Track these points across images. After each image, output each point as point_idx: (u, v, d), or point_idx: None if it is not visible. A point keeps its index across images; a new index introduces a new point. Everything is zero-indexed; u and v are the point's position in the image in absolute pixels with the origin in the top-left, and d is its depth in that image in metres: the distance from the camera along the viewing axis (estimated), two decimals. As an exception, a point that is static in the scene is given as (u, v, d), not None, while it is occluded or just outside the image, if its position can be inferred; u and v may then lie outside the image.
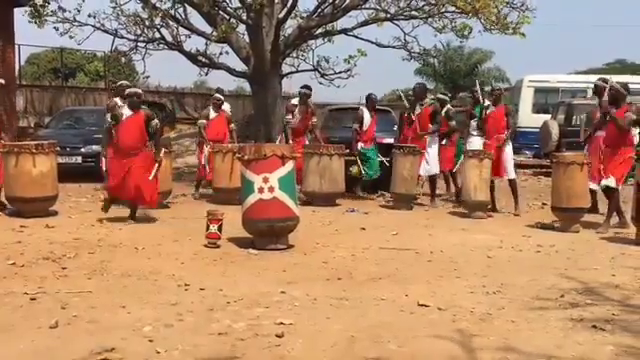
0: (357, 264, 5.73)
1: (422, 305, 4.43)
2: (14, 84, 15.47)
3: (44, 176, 7.83)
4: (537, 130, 13.64)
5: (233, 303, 4.41)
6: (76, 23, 12.25)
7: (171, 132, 17.95)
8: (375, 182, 10.61)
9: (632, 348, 3.69)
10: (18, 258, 5.58)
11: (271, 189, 6.17)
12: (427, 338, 3.79)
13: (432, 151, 9.74)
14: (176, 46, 12.71)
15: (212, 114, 10.41)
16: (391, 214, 8.95)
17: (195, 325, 3.95)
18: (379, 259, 5.93)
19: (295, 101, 10.74)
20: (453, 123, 10.37)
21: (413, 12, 12.09)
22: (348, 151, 9.95)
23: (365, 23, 12.49)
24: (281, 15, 12.13)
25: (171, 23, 12.45)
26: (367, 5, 12.37)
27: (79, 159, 12.08)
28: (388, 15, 12.22)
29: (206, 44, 12.79)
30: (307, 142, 10.34)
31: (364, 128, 10.15)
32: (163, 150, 7.95)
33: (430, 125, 9.77)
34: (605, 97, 7.77)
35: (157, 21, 12.21)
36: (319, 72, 13.04)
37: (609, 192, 7.73)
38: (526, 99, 17.74)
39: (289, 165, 6.33)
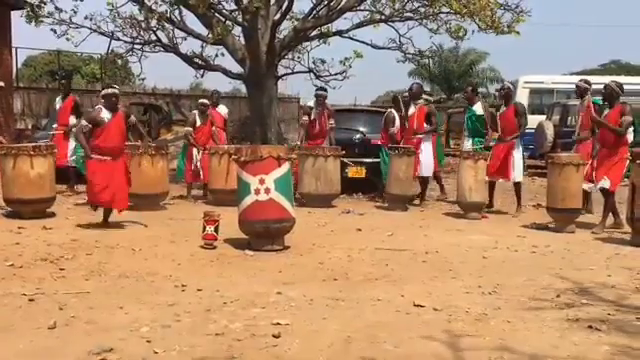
0: (353, 265, 5.75)
1: (418, 305, 4.46)
2: (11, 87, 15.46)
3: (42, 178, 7.85)
4: (532, 131, 13.66)
5: (230, 304, 4.43)
6: (73, 25, 12.23)
7: (167, 134, 17.92)
8: (370, 183, 10.65)
9: (628, 348, 3.72)
10: (16, 259, 5.60)
11: (267, 190, 6.19)
12: (423, 338, 3.82)
13: (426, 152, 9.77)
14: (172, 48, 12.71)
15: (198, 121, 10.27)
16: (386, 215, 8.98)
17: (192, 326, 3.97)
18: (375, 260, 5.96)
19: (311, 103, 10.76)
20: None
21: (408, 14, 12.12)
22: (344, 152, 9.98)
23: (360, 25, 12.51)
24: (277, 17, 12.15)
25: (167, 25, 12.44)
26: (362, 7, 12.40)
27: (77, 161, 12.06)
28: (383, 17, 12.24)
29: (202, 46, 12.79)
30: (325, 144, 10.26)
31: (395, 130, 9.99)
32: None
33: (425, 125, 9.82)
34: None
35: (153, 23, 12.21)
36: (314, 74, 13.05)
37: (605, 193, 7.77)
38: (521, 100, 17.75)
39: (285, 166, 6.35)
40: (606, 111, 7.80)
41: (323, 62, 13.03)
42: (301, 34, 12.51)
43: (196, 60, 12.92)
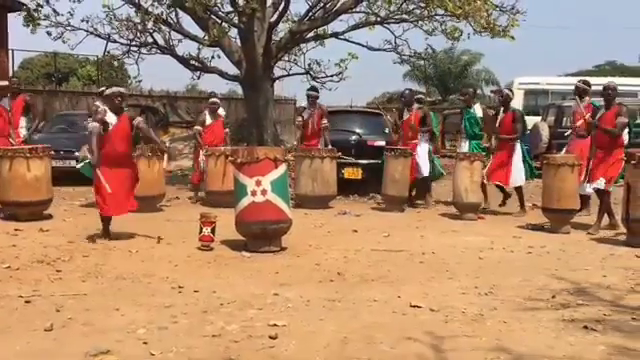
0: (349, 266, 5.76)
1: (414, 306, 4.47)
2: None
3: (38, 180, 7.84)
4: (528, 132, 13.71)
5: (227, 305, 4.44)
6: (69, 27, 12.24)
7: (164, 136, 17.92)
8: (366, 184, 10.68)
9: (623, 348, 3.73)
10: (13, 261, 5.59)
11: (264, 192, 6.20)
12: (419, 339, 3.83)
13: (422, 153, 9.80)
14: (168, 50, 12.72)
15: (208, 119, 10.41)
16: (383, 216, 8.99)
17: (189, 327, 3.98)
18: (371, 261, 5.97)
19: (304, 104, 10.81)
20: None
21: (403, 15, 12.15)
22: (340, 154, 10.00)
23: (356, 27, 12.54)
24: (273, 19, 12.17)
25: (163, 27, 12.45)
26: (358, 9, 12.43)
27: (73, 163, 12.06)
28: (379, 18, 12.28)
29: (198, 48, 12.81)
30: (320, 144, 10.29)
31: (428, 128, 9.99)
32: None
33: (420, 128, 9.85)
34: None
35: (149, 25, 12.21)
36: (311, 75, 13.08)
37: (600, 193, 7.80)
38: (516, 101, 17.81)
39: (282, 168, 6.36)
40: (602, 111, 7.83)
41: (319, 64, 13.07)
42: (297, 36, 12.53)
43: (192, 62, 12.94)
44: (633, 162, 6.89)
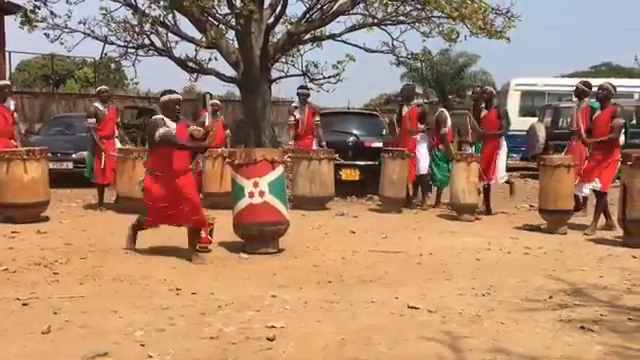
0: (347, 267, 5.77)
1: (412, 307, 4.47)
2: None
3: (35, 182, 7.83)
4: (524, 133, 13.74)
5: (224, 307, 4.44)
6: (66, 29, 12.23)
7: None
8: (363, 185, 10.68)
9: (620, 348, 3.74)
10: (10, 264, 5.58)
11: (261, 193, 6.20)
12: (417, 340, 3.84)
13: (422, 151, 9.82)
14: (166, 52, 12.72)
15: (207, 121, 10.36)
16: (380, 217, 9.00)
17: (187, 329, 3.98)
18: (369, 262, 5.98)
19: (296, 103, 10.83)
20: None
21: (400, 17, 12.18)
22: (337, 155, 10.00)
23: (353, 28, 12.57)
24: (270, 21, 12.18)
25: (161, 29, 12.46)
26: (355, 11, 12.44)
27: (70, 165, 12.08)
28: (376, 20, 12.30)
29: (195, 50, 12.80)
30: (314, 143, 10.31)
31: (447, 130, 9.73)
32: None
33: (420, 125, 9.87)
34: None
35: (147, 27, 12.22)
36: (308, 77, 13.09)
37: (597, 194, 7.82)
38: (513, 102, 17.86)
39: (279, 170, 6.37)
40: (597, 112, 7.86)
41: (316, 65, 13.09)
42: (294, 38, 12.54)
43: (190, 64, 12.94)
44: (629, 163, 6.91)
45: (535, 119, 15.63)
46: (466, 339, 3.86)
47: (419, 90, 31.37)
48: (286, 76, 13.73)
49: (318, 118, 10.54)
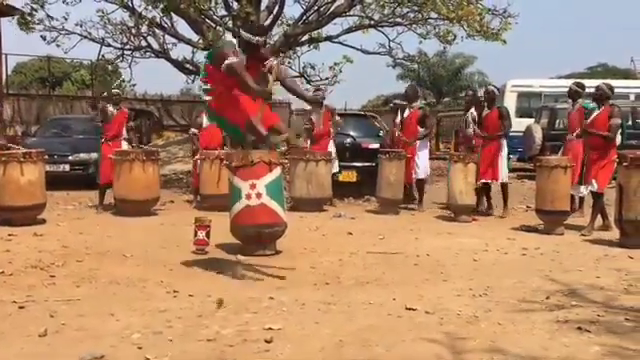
0: (344, 269, 5.76)
1: (409, 309, 4.47)
2: (2, 93, 15.41)
3: (32, 184, 7.82)
4: (521, 134, 13.76)
5: (222, 309, 4.43)
6: (63, 31, 12.23)
7: (158, 139, 17.92)
8: (361, 187, 10.69)
9: (617, 348, 3.74)
10: (6, 267, 5.56)
11: (258, 195, 6.18)
12: (414, 341, 3.83)
13: (422, 155, 9.83)
14: (163, 54, 12.73)
15: (205, 122, 10.40)
16: (377, 219, 9.00)
17: (184, 332, 3.97)
18: (366, 263, 5.98)
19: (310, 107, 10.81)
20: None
21: (397, 19, 12.20)
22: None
23: (350, 30, 12.58)
24: (267, 22, 12.19)
25: (157, 31, 12.47)
26: (352, 12, 12.46)
27: (67, 167, 12.07)
28: (372, 22, 12.32)
29: (193, 52, 12.82)
30: (330, 145, 10.25)
31: (472, 131, 9.67)
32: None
33: (420, 129, 9.87)
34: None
35: (144, 29, 12.23)
36: (305, 78, 13.11)
37: (593, 195, 7.84)
38: (509, 103, 17.86)
39: (276, 171, 6.36)
40: (595, 113, 7.88)
41: (313, 67, 13.10)
42: (291, 39, 12.56)
43: (187, 66, 12.94)
44: (625, 164, 6.93)
45: (532, 120, 15.64)
46: (463, 340, 3.86)
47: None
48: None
49: (338, 117, 10.44)
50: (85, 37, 12.43)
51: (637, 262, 6.16)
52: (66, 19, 12.21)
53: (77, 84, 25.06)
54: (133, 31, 12.31)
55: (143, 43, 12.57)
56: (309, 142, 10.42)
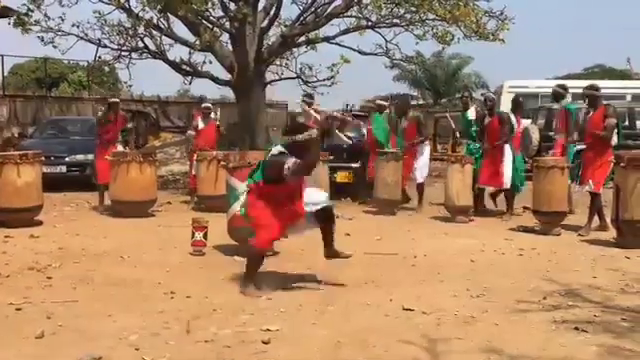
0: (341, 269, 5.75)
1: (407, 309, 4.48)
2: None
3: (29, 186, 7.81)
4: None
5: (219, 310, 4.44)
6: (60, 32, 12.19)
7: (155, 141, 17.90)
8: (356, 188, 10.69)
9: (614, 348, 3.76)
10: (3, 268, 5.56)
11: (256, 196, 6.18)
12: (412, 342, 3.84)
13: (422, 159, 9.85)
14: (160, 55, 12.69)
15: (201, 124, 10.50)
16: (374, 219, 9.00)
17: (181, 333, 3.97)
18: (363, 264, 5.97)
19: (300, 109, 10.87)
20: None
21: (394, 20, 12.20)
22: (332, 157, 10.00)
23: (347, 31, 12.57)
24: (264, 24, 12.18)
25: (154, 32, 12.42)
26: (349, 13, 12.45)
27: (64, 168, 12.05)
28: (370, 23, 12.32)
29: (190, 53, 12.78)
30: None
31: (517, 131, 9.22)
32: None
33: (417, 137, 9.90)
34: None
35: (140, 30, 12.19)
36: (302, 80, 13.09)
37: (591, 195, 7.86)
38: (506, 105, 17.89)
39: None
40: (589, 113, 7.91)
41: (311, 68, 13.08)
42: (289, 40, 12.54)
43: (184, 67, 12.92)
44: (622, 164, 6.94)
45: (528, 121, 15.67)
46: (461, 340, 3.87)
47: (414, 92, 31.52)
48: (280, 79, 13.72)
49: (349, 118, 10.40)
50: (82, 38, 12.38)
51: (634, 262, 6.17)
52: (63, 20, 12.16)
53: (74, 85, 25.01)
54: (130, 32, 12.27)
55: (140, 44, 12.54)
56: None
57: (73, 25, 12.25)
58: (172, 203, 10.31)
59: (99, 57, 12.93)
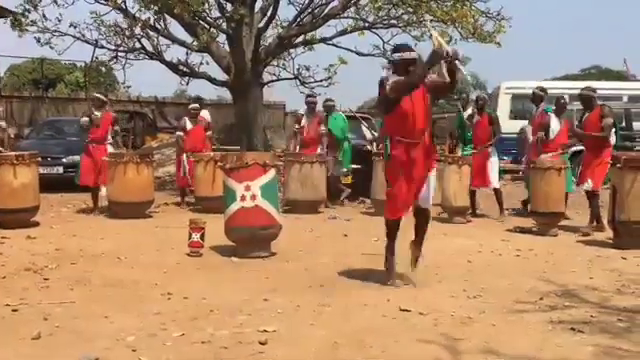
0: (339, 270, 5.76)
1: (404, 310, 4.48)
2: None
3: (25, 187, 7.79)
4: (515, 136, 13.80)
5: (216, 311, 4.43)
6: (57, 33, 12.18)
7: (152, 141, 17.88)
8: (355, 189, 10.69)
9: (611, 348, 3.76)
10: (0, 270, 5.56)
11: (253, 197, 6.20)
12: (409, 342, 3.84)
13: None
14: (157, 56, 12.68)
15: (189, 125, 10.46)
16: (372, 220, 8.97)
17: (179, 334, 3.96)
18: (361, 265, 5.97)
19: (303, 111, 10.83)
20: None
21: (392, 21, 12.21)
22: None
23: (344, 32, 12.58)
24: (261, 24, 12.19)
25: (151, 33, 12.41)
26: (346, 14, 12.46)
27: (60, 169, 12.04)
28: (367, 24, 12.32)
29: (187, 53, 12.77)
30: (319, 151, 10.23)
31: (551, 136, 8.73)
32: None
33: None
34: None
35: (137, 31, 12.17)
36: (300, 80, 13.09)
37: (589, 195, 7.89)
38: (503, 105, 17.90)
39: (271, 173, 6.37)
40: (586, 114, 7.95)
41: (308, 69, 13.08)
42: (286, 41, 12.54)
43: (181, 67, 12.92)
44: (618, 165, 6.95)
45: (526, 122, 15.68)
46: (458, 341, 3.87)
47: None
48: (278, 80, 13.72)
49: (324, 128, 10.40)
50: (79, 39, 12.36)
51: (630, 263, 6.19)
52: (59, 20, 12.15)
53: (71, 86, 24.98)
54: (127, 33, 12.26)
55: (137, 45, 12.53)
56: (298, 147, 10.45)
57: (70, 26, 12.24)
58: (169, 204, 10.31)
59: (96, 58, 12.92)
